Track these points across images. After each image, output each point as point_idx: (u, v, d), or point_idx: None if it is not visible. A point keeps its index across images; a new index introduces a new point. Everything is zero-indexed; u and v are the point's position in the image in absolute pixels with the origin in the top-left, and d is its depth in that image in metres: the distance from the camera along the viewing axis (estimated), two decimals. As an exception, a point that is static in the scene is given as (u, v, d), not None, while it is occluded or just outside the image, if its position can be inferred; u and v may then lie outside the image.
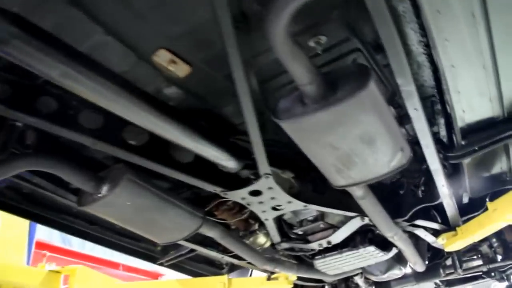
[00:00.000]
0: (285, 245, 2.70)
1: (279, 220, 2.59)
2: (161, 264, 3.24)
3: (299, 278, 3.36)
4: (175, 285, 3.50)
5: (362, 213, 2.39)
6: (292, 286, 3.34)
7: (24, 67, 1.49)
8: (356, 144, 1.68)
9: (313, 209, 2.49)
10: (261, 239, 2.75)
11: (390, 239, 2.53)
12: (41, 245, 4.88)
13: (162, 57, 1.81)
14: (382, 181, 2.56)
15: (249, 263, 2.93)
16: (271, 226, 2.50)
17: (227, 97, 1.96)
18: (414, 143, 1.99)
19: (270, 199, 2.23)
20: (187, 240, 2.80)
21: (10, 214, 2.57)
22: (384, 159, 1.78)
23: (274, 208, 2.31)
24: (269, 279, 3.33)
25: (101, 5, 1.58)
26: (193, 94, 2.03)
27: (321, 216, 2.53)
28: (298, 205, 2.29)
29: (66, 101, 1.97)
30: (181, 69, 1.87)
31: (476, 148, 2.07)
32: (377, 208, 2.26)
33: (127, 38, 1.75)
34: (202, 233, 2.52)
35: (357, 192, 2.09)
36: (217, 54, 1.74)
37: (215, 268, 3.53)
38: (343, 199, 2.38)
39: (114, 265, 6.22)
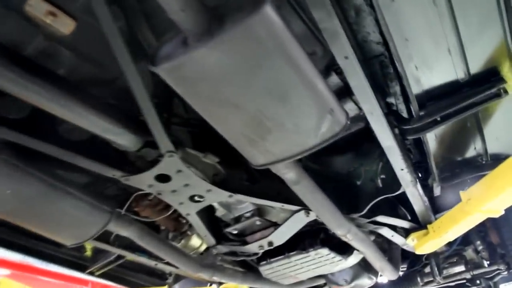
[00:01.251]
0: (222, 248, 2.25)
1: (211, 218, 2.15)
2: (91, 274, 2.79)
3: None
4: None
5: (305, 207, 1.95)
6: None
7: None
8: (264, 100, 1.26)
9: (249, 203, 2.06)
10: (195, 242, 2.32)
11: (343, 239, 2.08)
12: None
13: (37, 8, 1.41)
14: (336, 170, 2.15)
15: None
16: (196, 223, 2.06)
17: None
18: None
19: (183, 186, 1.80)
20: (109, 243, 2.40)
21: None
22: (308, 124, 1.36)
23: (192, 199, 1.89)
24: (216, 289, 2.89)
25: None
26: (87, 59, 1.63)
27: (258, 212, 2.09)
28: (221, 194, 1.86)
29: None
30: (63, 24, 1.46)
31: (438, 119, 1.65)
32: (317, 197, 1.83)
33: None
34: (115, 232, 2.09)
35: (288, 175, 1.66)
36: None
37: (156, 278, 3.07)
38: (283, 190, 1.93)
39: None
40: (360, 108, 1.62)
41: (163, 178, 1.75)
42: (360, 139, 2.10)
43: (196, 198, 1.88)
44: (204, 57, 1.12)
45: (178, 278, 3.04)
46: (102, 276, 2.80)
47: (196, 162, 1.83)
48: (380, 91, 1.68)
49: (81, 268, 2.80)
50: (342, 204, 2.02)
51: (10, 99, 1.65)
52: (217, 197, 1.88)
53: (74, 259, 2.81)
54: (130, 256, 2.51)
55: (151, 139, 1.63)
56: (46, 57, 1.59)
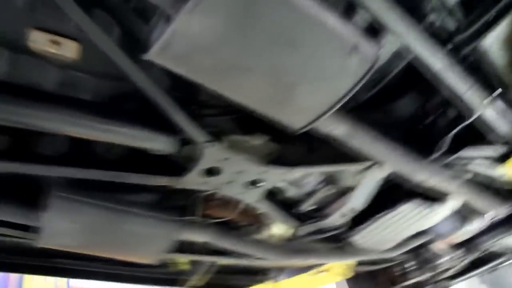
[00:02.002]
0: (306, 228, 2.11)
1: (284, 201, 2.02)
2: (190, 286, 2.79)
3: (360, 263, 2.74)
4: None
5: (374, 161, 1.76)
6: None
7: None
8: (272, 52, 1.11)
9: (317, 174, 1.91)
10: (277, 229, 2.19)
11: (428, 184, 1.85)
12: None
13: (39, 41, 1.40)
14: (400, 114, 1.93)
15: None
16: (269, 209, 1.94)
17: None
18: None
19: (237, 174, 1.69)
20: (195, 252, 2.37)
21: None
22: (332, 67, 1.19)
23: (252, 185, 1.77)
24: (319, 272, 2.74)
25: None
26: (104, 76, 1.58)
27: (329, 180, 1.92)
28: (279, 172, 1.73)
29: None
30: (68, 49, 1.44)
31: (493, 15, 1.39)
32: (382, 145, 1.63)
33: None
34: (192, 239, 2.04)
35: (337, 131, 1.48)
36: None
37: (259, 275, 2.99)
38: (348, 149, 1.76)
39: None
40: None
41: (213, 172, 1.66)
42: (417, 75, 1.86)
43: (256, 183, 1.77)
44: (188, 25, 1.01)
45: (280, 269, 2.94)
46: (203, 286, 2.78)
47: (246, 147, 1.71)
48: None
49: (180, 282, 2.81)
50: (417, 149, 1.80)
51: (48, 138, 1.67)
52: (276, 176, 1.75)
53: (176, 276, 2.83)
54: (220, 260, 2.46)
55: (186, 136, 1.55)
56: (68, 88, 1.57)
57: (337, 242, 2.27)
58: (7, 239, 2.06)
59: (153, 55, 1.08)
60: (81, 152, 1.68)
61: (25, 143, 1.64)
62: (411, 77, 1.74)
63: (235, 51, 1.09)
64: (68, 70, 1.54)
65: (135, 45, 1.32)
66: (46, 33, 1.41)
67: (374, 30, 1.41)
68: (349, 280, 3.33)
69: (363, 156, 1.72)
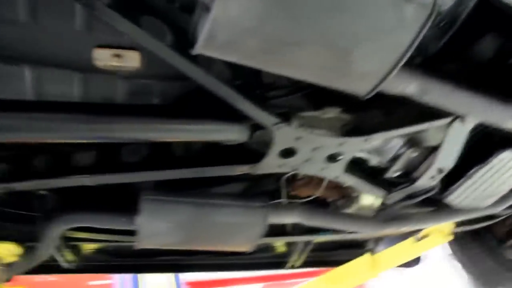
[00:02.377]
0: (395, 195, 2.03)
1: (368, 170, 1.96)
2: (292, 267, 2.82)
3: (458, 224, 2.60)
4: (319, 284, 3.05)
5: (455, 114, 1.65)
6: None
7: None
8: (319, 21, 1.08)
9: (397, 139, 1.83)
10: (366, 201, 2.13)
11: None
12: (195, 285, 4.85)
13: (103, 58, 1.50)
14: (481, 57, 1.78)
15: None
16: (353, 182, 1.90)
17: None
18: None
19: (313, 151, 1.67)
20: (290, 233, 2.40)
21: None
22: (386, 22, 1.12)
23: (331, 160, 1.74)
24: (418, 239, 2.64)
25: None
26: (169, 78, 1.64)
27: (411, 143, 1.84)
28: (356, 142, 1.68)
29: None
30: (131, 59, 1.53)
31: None
32: (462, 96, 1.53)
33: (57, 60, 1.50)
34: (281, 222, 2.06)
35: (409, 89, 1.41)
36: None
37: (356, 248, 2.96)
38: (425, 107, 1.67)
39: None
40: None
41: (288, 153, 1.65)
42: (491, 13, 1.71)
43: (335, 158, 1.73)
44: (226, 11, 1.00)
45: (377, 240, 2.89)
46: (302, 266, 2.81)
47: (318, 122, 1.69)
48: None
49: (283, 264, 2.86)
50: (502, 93, 1.66)
51: (129, 146, 1.77)
52: (354, 147, 1.71)
53: (275, 259, 2.88)
54: (315, 238, 2.47)
55: (256, 122, 1.56)
56: (137, 96, 1.64)
57: (432, 205, 2.17)
58: (116, 244, 2.22)
59: (200, 48, 1.09)
60: (161, 154, 1.76)
61: (109, 155, 1.75)
62: (485, 16, 1.61)
63: (280, 27, 1.06)
64: (134, 80, 1.62)
65: (189, 42, 1.35)
66: (107, 49, 1.50)
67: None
68: (451, 243, 3.18)
69: (443, 111, 1.62)
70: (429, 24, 1.15)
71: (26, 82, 1.56)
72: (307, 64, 1.18)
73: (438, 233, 2.62)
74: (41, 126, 1.44)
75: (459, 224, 2.65)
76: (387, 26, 1.13)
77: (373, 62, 1.20)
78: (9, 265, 2.00)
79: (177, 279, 4.07)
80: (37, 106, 1.50)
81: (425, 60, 1.62)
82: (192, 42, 1.16)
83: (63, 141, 1.59)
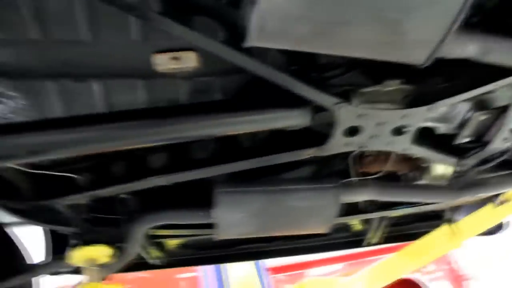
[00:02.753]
0: (468, 161, 1.98)
1: (436, 139, 1.92)
2: (369, 244, 2.82)
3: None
4: (397, 261, 3.01)
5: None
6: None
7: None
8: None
9: (464, 103, 1.78)
10: (438, 170, 2.09)
11: None
12: (275, 270, 4.93)
13: (162, 62, 1.58)
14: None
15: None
16: (422, 153, 1.87)
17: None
18: None
19: (377, 126, 1.66)
20: (361, 211, 2.40)
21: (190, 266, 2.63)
22: None
23: (397, 133, 1.72)
24: (498, 205, 2.54)
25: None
26: (225, 72, 1.70)
27: (478, 106, 1.77)
28: (419, 112, 1.65)
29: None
30: (188, 60, 1.59)
31: None
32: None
33: (120, 70, 1.60)
34: (353, 201, 2.07)
35: (468, 50, 1.37)
36: None
37: (434, 219, 2.89)
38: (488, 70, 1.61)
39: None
40: None
41: (353, 131, 1.66)
42: None
43: (401, 130, 1.72)
44: (272, 2, 1.03)
45: (455, 209, 2.80)
46: (380, 242, 2.79)
47: (379, 97, 1.67)
48: None
49: (361, 242, 2.86)
50: None
51: (198, 143, 1.85)
52: (418, 118, 1.68)
53: (352, 238, 2.90)
54: (390, 213, 2.45)
55: (317, 104, 1.58)
56: (199, 94, 1.71)
57: (509, 167, 2.09)
58: (197, 237, 2.33)
59: (251, 41, 1.13)
60: (229, 147, 1.82)
61: (180, 154, 1.84)
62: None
63: (327, 8, 1.07)
64: (194, 79, 1.68)
65: (240, 36, 1.39)
66: (165, 53, 1.56)
67: None
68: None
69: (509, 69, 1.55)
70: None
71: (95, 96, 1.68)
72: (359, 41, 1.18)
73: (518, 196, 2.51)
74: (116, 135, 1.54)
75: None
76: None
77: (426, 30, 1.18)
78: (103, 266, 2.15)
79: (257, 266, 4.18)
80: (109, 117, 1.60)
81: (484, 17, 1.56)
82: (243, 36, 1.20)
83: (137, 146, 1.68)
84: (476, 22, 1.45)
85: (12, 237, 2.48)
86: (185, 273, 5.00)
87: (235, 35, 1.39)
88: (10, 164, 1.61)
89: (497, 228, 3.05)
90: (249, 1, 1.11)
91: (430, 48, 1.23)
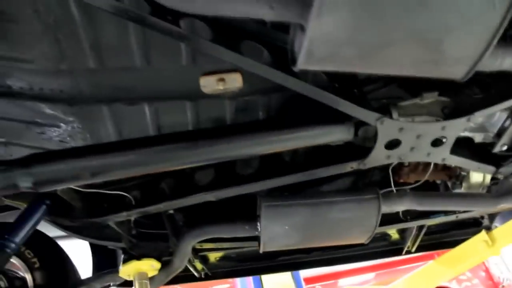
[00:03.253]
0: (506, 169, 2.01)
1: (474, 147, 1.97)
2: (409, 252, 2.86)
3: None
4: (434, 270, 3.03)
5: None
6: None
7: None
8: (407, 20, 1.14)
9: (500, 112, 1.83)
10: (476, 178, 2.14)
11: None
12: (313, 280, 4.99)
13: (209, 84, 1.68)
14: None
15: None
16: (460, 162, 1.92)
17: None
18: None
19: (417, 139, 1.72)
20: (401, 221, 2.45)
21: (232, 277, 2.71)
22: (472, 4, 1.15)
23: (436, 144, 1.77)
24: (537, 210, 2.55)
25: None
26: (268, 91, 1.78)
27: (512, 114, 1.82)
28: (458, 123, 1.70)
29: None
30: (234, 80, 1.69)
31: None
32: None
33: (170, 93, 1.73)
34: (392, 211, 2.12)
35: (505, 64, 1.42)
36: None
37: (471, 226, 2.91)
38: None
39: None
40: None
41: (394, 144, 1.72)
42: None
43: (439, 142, 1.77)
44: (321, 28, 1.11)
45: (493, 216, 2.83)
46: (419, 250, 2.83)
47: (418, 109, 1.74)
48: None
49: (399, 251, 2.90)
50: None
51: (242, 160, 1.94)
52: (457, 128, 1.73)
53: (390, 247, 2.94)
54: (428, 222, 2.49)
55: (358, 119, 1.65)
56: (244, 113, 1.80)
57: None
58: (239, 249, 2.42)
59: (301, 65, 1.21)
60: (272, 163, 1.90)
61: (225, 170, 1.93)
62: None
63: (372, 32, 1.15)
64: (239, 99, 1.77)
65: (285, 57, 1.47)
66: (212, 75, 1.66)
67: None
68: None
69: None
70: None
71: (146, 118, 1.79)
72: (402, 61, 1.25)
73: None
74: (170, 157, 1.63)
75: None
76: (474, 11, 1.16)
77: (465, 47, 1.24)
78: (151, 279, 2.25)
79: (295, 276, 4.24)
80: (162, 140, 1.70)
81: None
82: (291, 59, 1.28)
83: (186, 166, 1.78)
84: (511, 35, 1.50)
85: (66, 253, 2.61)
86: (219, 285, 5.09)
87: (278, 56, 1.48)
88: (75, 185, 1.72)
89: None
90: (298, 28, 1.20)
91: (469, 64, 1.29)
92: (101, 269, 2.72)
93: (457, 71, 1.33)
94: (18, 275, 2.47)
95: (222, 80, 1.67)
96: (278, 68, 1.46)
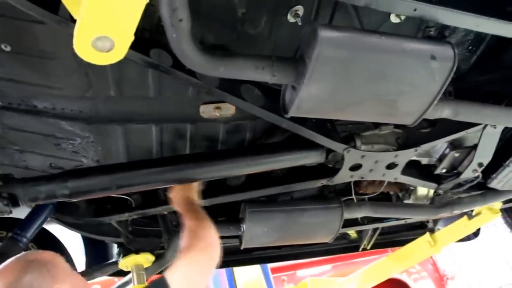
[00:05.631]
0: (445, 186, 2.47)
1: (420, 167, 2.40)
2: (364, 249, 3.31)
3: (505, 202, 2.98)
4: (386, 264, 3.51)
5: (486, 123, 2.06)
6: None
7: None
8: (371, 87, 1.53)
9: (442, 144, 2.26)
10: (422, 191, 2.60)
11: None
12: (276, 270, 5.33)
13: (207, 111, 2.04)
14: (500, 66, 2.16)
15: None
16: (408, 180, 2.35)
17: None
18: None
19: (375, 163, 2.13)
20: (359, 224, 2.87)
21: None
22: (420, 77, 1.53)
23: (390, 167, 2.19)
24: (470, 218, 3.05)
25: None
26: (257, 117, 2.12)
27: (453, 145, 2.25)
28: (408, 153, 2.12)
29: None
30: (228, 109, 2.05)
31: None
32: (487, 112, 1.92)
33: (174, 117, 2.06)
34: (353, 217, 2.54)
35: (444, 113, 1.82)
36: None
37: (418, 229, 3.41)
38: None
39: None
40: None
41: (356, 167, 2.12)
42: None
43: (392, 165, 2.18)
44: (309, 90, 1.47)
45: (436, 221, 3.31)
46: (373, 247, 3.29)
47: (377, 138, 2.13)
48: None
49: (356, 248, 3.35)
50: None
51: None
52: (406, 157, 2.15)
53: (349, 244, 3.38)
54: (381, 225, 2.93)
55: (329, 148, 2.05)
56: (234, 134, 2.17)
57: (478, 190, 2.58)
58: (225, 245, 2.78)
59: (290, 114, 1.59)
60: (257, 176, 2.28)
61: (217, 181, 2.29)
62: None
63: (346, 95, 1.53)
64: (231, 122, 2.13)
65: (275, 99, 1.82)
66: (210, 104, 2.01)
67: (443, 35, 1.75)
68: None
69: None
70: (453, 72, 1.55)
71: (152, 135, 2.12)
72: (366, 112, 1.65)
73: (489, 211, 3.00)
74: (175, 175, 1.96)
75: (506, 202, 3.03)
76: (420, 81, 1.55)
77: (414, 105, 1.65)
78: (146, 269, 2.60)
79: (264, 266, 4.61)
80: (166, 161, 2.03)
81: (459, 77, 2.02)
82: (283, 107, 1.66)
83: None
84: (450, 91, 1.93)
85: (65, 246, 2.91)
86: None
87: (271, 98, 1.84)
88: (102, 195, 2.03)
89: (474, 235, 3.57)
90: (290, 86, 1.57)
91: (416, 116, 1.70)
92: (94, 260, 3.05)
93: (408, 120, 1.74)
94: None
95: (218, 108, 2.03)
96: (271, 111, 1.80)
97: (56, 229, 2.88)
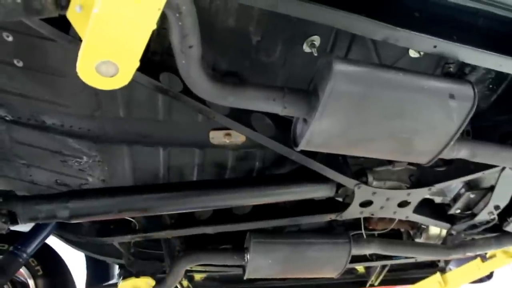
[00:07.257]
0: (459, 227, 2.38)
1: (434, 206, 2.32)
2: (372, 286, 3.21)
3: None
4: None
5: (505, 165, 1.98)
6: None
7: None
8: (387, 124, 1.47)
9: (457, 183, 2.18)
10: (434, 231, 2.51)
11: None
12: None
13: (217, 137, 2.02)
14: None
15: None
16: (420, 220, 2.27)
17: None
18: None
19: (386, 201, 2.06)
20: (368, 260, 2.78)
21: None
22: (437, 116, 1.48)
23: (401, 206, 2.12)
24: (483, 260, 2.93)
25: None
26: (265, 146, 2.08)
27: (469, 186, 2.18)
28: (421, 192, 2.05)
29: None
30: (238, 136, 2.01)
31: None
32: (503, 155, 1.85)
33: (182, 141, 2.03)
34: (361, 253, 2.46)
35: (461, 154, 1.76)
36: None
37: (428, 267, 3.30)
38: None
39: None
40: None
41: (367, 203, 2.05)
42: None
43: (404, 204, 2.11)
44: (321, 125, 1.42)
45: (448, 260, 3.20)
46: (381, 284, 3.18)
47: (389, 175, 2.07)
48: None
49: (363, 284, 3.25)
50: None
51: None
52: (419, 196, 2.08)
53: (356, 279, 3.29)
54: (390, 262, 2.84)
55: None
56: (243, 161, 2.12)
57: (493, 232, 2.49)
58: (228, 274, 2.72)
59: (301, 147, 1.53)
60: (263, 206, 2.22)
61: (223, 210, 2.24)
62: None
63: (359, 131, 1.47)
64: (240, 150, 2.09)
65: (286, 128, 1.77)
66: (220, 130, 1.97)
67: (463, 72, 1.69)
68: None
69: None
70: (472, 113, 1.49)
71: (159, 159, 2.09)
72: (380, 150, 1.58)
73: (504, 254, 2.89)
74: (174, 203, 1.92)
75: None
76: (437, 120, 1.49)
77: (429, 144, 1.58)
78: (145, 294, 2.54)
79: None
80: (171, 187, 1.99)
81: (477, 115, 1.95)
82: (293, 140, 1.61)
83: (191, 210, 2.07)
84: (467, 130, 1.86)
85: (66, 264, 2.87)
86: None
87: (282, 129, 1.79)
88: (104, 219, 1.99)
89: (487, 277, 3.44)
90: (301, 119, 1.52)
91: (432, 156, 1.64)
92: (94, 279, 3.00)
93: (423, 160, 1.67)
94: (20, 280, 2.72)
95: (228, 135, 1.99)
96: (282, 142, 1.76)
97: (60, 245, 2.84)
